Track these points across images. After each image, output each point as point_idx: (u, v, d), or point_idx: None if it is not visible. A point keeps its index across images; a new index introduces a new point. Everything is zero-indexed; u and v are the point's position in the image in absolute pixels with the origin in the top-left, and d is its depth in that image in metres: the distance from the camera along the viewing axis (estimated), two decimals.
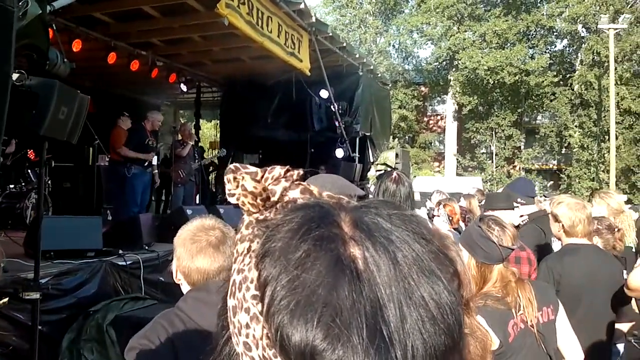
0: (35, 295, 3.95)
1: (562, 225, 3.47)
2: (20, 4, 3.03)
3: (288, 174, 0.63)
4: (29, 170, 8.78)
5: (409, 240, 0.54)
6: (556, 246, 4.11)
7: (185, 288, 1.94)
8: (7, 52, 2.95)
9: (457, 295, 0.55)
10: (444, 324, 0.52)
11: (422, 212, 4.33)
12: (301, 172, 0.66)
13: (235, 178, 0.63)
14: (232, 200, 0.65)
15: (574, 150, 28.22)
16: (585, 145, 27.58)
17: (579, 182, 27.35)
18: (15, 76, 3.39)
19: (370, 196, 3.08)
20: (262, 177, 0.63)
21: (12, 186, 8.39)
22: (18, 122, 3.78)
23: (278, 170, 0.63)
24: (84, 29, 8.53)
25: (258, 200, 0.62)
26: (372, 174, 13.61)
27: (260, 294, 0.54)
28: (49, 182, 8.71)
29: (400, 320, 0.50)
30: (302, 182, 0.64)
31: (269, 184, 0.62)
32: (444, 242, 1.25)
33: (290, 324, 0.50)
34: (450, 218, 5.22)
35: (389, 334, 0.49)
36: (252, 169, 0.64)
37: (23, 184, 8.60)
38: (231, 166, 0.64)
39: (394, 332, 0.49)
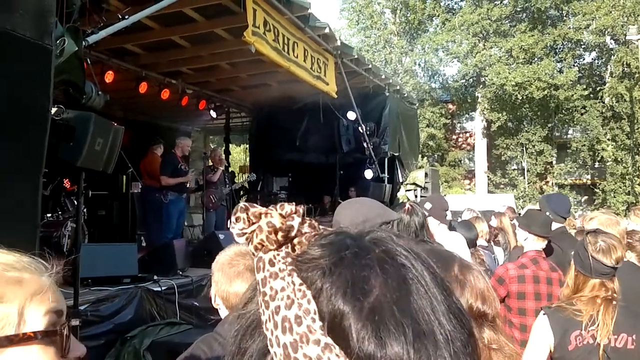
0: (75, 322, 4.03)
1: None
2: (57, 42, 3.17)
3: (297, 209, 0.67)
4: (65, 199, 8.98)
5: (424, 260, 0.61)
6: None
7: (223, 312, 1.99)
8: (46, 88, 3.08)
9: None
10: (467, 326, 0.59)
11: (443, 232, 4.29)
12: (304, 207, 0.70)
13: (248, 217, 0.66)
14: (241, 239, 0.66)
15: (608, 163, 27.65)
16: (619, 159, 27.00)
17: (614, 197, 26.74)
18: (53, 110, 3.51)
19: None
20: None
21: (49, 215, 8.58)
22: (55, 154, 3.92)
23: (289, 207, 0.66)
24: (116, 60, 8.79)
25: (279, 236, 0.65)
26: (401, 194, 13.57)
27: (336, 325, 0.57)
28: (85, 210, 8.90)
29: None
30: (306, 218, 0.67)
31: (287, 220, 0.66)
32: (462, 270, 1.26)
33: (380, 346, 0.54)
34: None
35: (451, 339, 0.56)
36: (261, 208, 0.67)
37: (60, 212, 8.80)
38: (241, 205, 0.67)
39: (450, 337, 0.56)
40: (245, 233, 0.65)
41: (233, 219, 0.66)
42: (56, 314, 0.91)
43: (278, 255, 0.64)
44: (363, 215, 2.27)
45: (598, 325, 2.35)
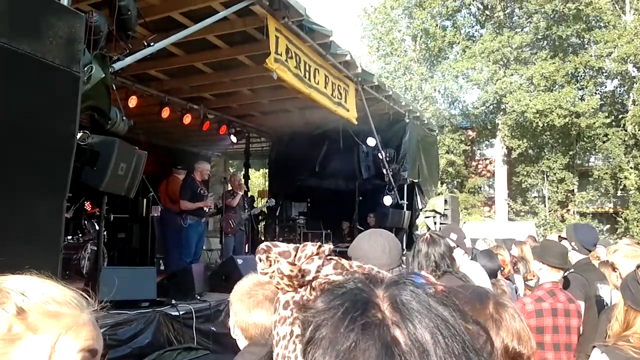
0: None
1: (620, 274, 3.36)
2: (85, 69, 3.24)
3: (320, 250, 0.66)
4: (86, 222, 9.08)
5: (443, 315, 0.58)
6: (603, 293, 3.99)
7: (242, 343, 1.97)
8: (73, 114, 3.13)
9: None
10: None
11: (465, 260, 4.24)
12: (332, 246, 0.69)
13: (267, 258, 0.66)
14: (265, 277, 0.68)
15: (630, 192, 27.22)
16: None
17: (637, 226, 26.30)
18: (79, 135, 3.57)
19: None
20: (296, 256, 0.65)
21: (69, 237, 8.67)
22: (79, 178, 3.97)
23: (310, 248, 0.66)
24: (140, 85, 8.94)
25: (294, 281, 0.65)
26: (420, 220, 13.50)
27: None
28: (105, 233, 8.97)
29: None
30: (333, 257, 0.66)
31: (303, 263, 0.65)
32: (497, 308, 1.24)
33: None
34: (502, 268, 5.12)
35: None
36: (284, 247, 0.67)
37: (80, 235, 8.89)
38: (263, 246, 0.67)
39: None
40: (267, 273, 0.66)
41: (256, 258, 0.67)
42: (90, 352, 0.89)
43: (293, 298, 0.64)
44: (385, 248, 2.26)
45: None
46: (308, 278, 0.64)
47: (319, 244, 0.66)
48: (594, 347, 2.39)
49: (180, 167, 9.44)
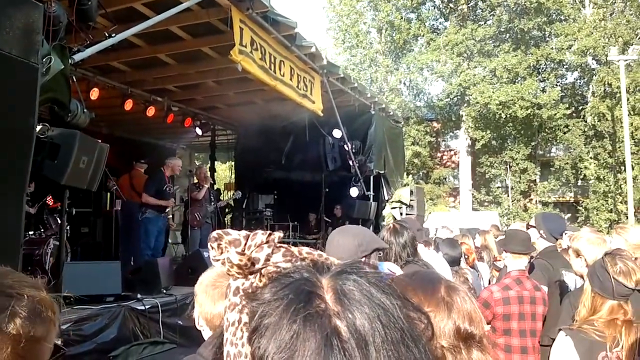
0: (57, 342, 3.96)
1: (585, 260, 3.45)
2: (44, 60, 3.17)
3: (270, 238, 0.68)
4: (48, 217, 8.89)
5: (383, 304, 0.60)
6: (568, 280, 4.10)
7: (206, 334, 1.97)
8: (32, 106, 3.07)
9: (427, 349, 0.61)
10: None
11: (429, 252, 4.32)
12: (281, 234, 0.71)
13: (219, 245, 0.68)
14: (217, 264, 0.70)
15: (590, 182, 27.94)
16: (601, 177, 27.30)
17: (597, 214, 26.99)
18: (38, 128, 3.50)
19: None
20: (246, 245, 0.67)
21: (31, 232, 8.48)
22: (40, 171, 3.89)
23: (260, 236, 0.67)
24: (101, 77, 8.78)
25: (244, 269, 0.67)
26: (387, 211, 13.61)
27: None
28: (68, 227, 8.81)
29: None
30: (283, 245, 0.68)
31: (253, 252, 0.67)
32: (449, 291, 1.27)
33: None
34: (467, 256, 5.21)
35: None
36: (234, 234, 0.68)
37: (42, 230, 8.70)
38: (214, 234, 0.69)
39: None
40: (219, 260, 0.68)
41: (209, 245, 0.69)
42: None
43: (243, 284, 0.66)
44: (358, 241, 2.27)
45: (622, 346, 2.32)
46: (258, 266, 0.66)
47: (269, 232, 0.68)
48: (560, 330, 2.46)
49: (143, 161, 9.34)
